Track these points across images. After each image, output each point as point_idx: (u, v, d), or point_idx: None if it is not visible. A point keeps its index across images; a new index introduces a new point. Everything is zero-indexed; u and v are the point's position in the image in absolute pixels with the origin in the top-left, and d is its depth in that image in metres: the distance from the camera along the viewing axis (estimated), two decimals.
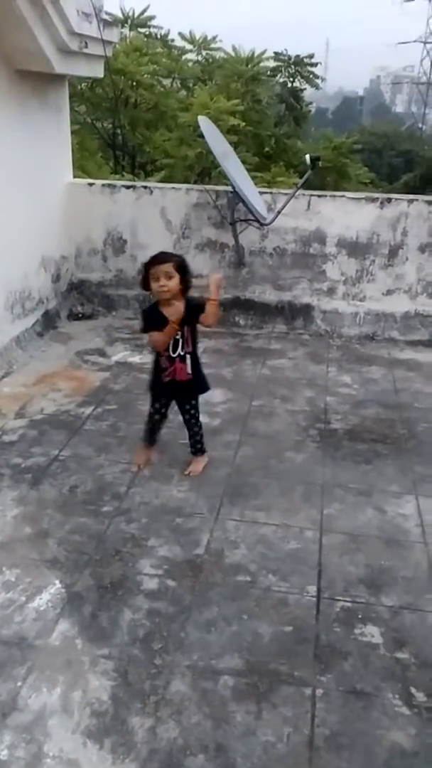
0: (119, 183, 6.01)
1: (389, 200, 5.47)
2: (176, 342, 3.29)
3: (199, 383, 3.49)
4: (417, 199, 5.46)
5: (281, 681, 2.33)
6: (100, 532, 3.06)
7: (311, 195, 5.54)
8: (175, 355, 3.32)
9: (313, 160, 5.38)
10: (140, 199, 5.71)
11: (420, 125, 46.00)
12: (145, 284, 3.22)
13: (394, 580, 2.83)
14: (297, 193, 5.35)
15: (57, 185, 5.61)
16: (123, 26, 11.88)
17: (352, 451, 3.87)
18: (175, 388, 3.43)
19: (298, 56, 13.86)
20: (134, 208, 5.72)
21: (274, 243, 5.62)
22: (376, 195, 5.76)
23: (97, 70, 5.73)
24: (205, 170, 10.17)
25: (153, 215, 5.69)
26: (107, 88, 10.78)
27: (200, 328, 3.34)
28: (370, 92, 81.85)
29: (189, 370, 3.38)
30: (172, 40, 13.09)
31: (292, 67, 13.80)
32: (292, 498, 3.38)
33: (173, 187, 5.84)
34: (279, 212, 5.28)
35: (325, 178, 11.86)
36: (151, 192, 5.71)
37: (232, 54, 12.66)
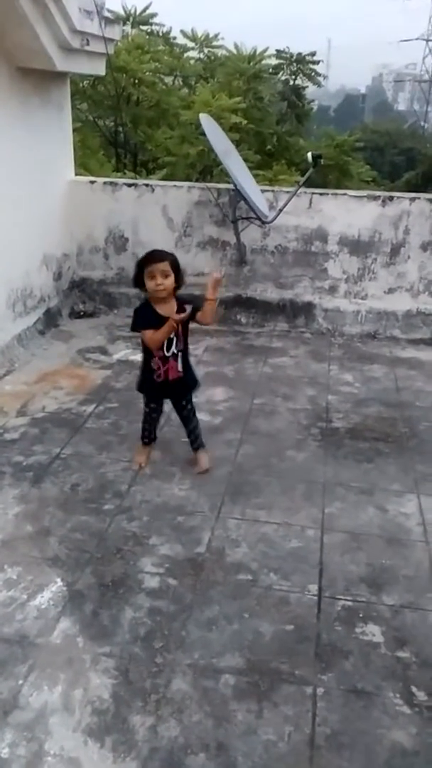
0: (121, 181, 6.01)
1: (391, 198, 5.46)
2: (170, 341, 3.29)
3: (191, 380, 3.51)
4: (419, 197, 5.45)
5: (282, 680, 2.33)
6: (102, 531, 3.06)
7: (313, 193, 5.53)
8: (168, 354, 3.32)
9: (315, 158, 5.38)
10: (142, 197, 5.70)
11: (422, 123, 45.95)
12: (138, 282, 3.22)
13: (396, 579, 2.83)
14: (299, 191, 5.34)
15: (59, 183, 5.61)
16: (125, 24, 11.87)
17: (354, 449, 3.86)
18: (168, 388, 3.43)
19: (300, 54, 13.86)
20: (136, 206, 5.72)
21: (275, 241, 5.61)
22: (378, 193, 5.75)
23: (99, 68, 5.72)
24: (207, 168, 10.16)
25: (154, 213, 5.69)
26: (109, 86, 10.77)
27: (195, 327, 3.33)
28: (372, 90, 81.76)
29: (180, 368, 3.39)
30: (174, 38, 13.09)
31: (294, 64, 13.79)
32: (294, 496, 3.38)
33: (175, 185, 5.84)
34: (281, 210, 5.27)
35: (326, 176, 11.86)
36: (153, 190, 5.71)
37: (234, 52, 12.65)
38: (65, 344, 5.24)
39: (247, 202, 5.06)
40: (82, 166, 8.41)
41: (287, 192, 5.47)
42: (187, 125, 10.35)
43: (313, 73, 14.07)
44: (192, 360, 4.68)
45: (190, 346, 3.47)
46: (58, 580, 2.74)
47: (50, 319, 5.51)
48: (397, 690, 2.31)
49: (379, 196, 5.51)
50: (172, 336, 3.26)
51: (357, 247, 5.53)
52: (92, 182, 5.86)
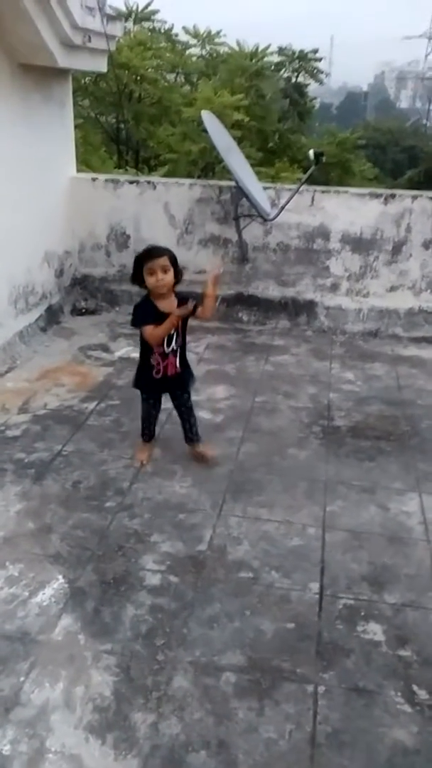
0: (123, 178, 6.00)
1: (393, 196, 5.45)
2: (170, 337, 3.29)
3: (188, 375, 3.53)
4: (421, 195, 5.44)
5: (283, 678, 2.33)
6: (103, 528, 3.06)
7: (315, 190, 5.52)
8: (168, 350, 3.33)
9: (317, 155, 5.37)
10: (144, 194, 5.70)
11: (424, 121, 45.90)
12: (136, 279, 3.22)
13: (397, 578, 2.83)
14: (301, 189, 5.34)
15: (60, 180, 5.60)
16: (127, 20, 11.86)
17: (355, 448, 3.86)
18: (167, 384, 3.44)
19: (302, 51, 13.86)
20: (138, 203, 5.71)
21: (277, 238, 5.61)
22: (380, 191, 5.74)
23: (101, 65, 5.71)
24: (209, 165, 10.15)
25: (156, 210, 5.68)
26: (111, 83, 10.76)
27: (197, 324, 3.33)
28: (374, 87, 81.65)
29: (178, 365, 3.41)
30: (176, 35, 13.07)
31: (297, 62, 13.79)
32: (295, 495, 3.38)
33: (177, 182, 5.83)
34: (283, 208, 5.26)
35: (329, 173, 11.86)
36: (155, 187, 5.70)
37: (236, 49, 12.65)
38: (67, 341, 5.24)
39: (249, 200, 5.06)
40: (84, 163, 8.40)
41: (289, 189, 5.46)
42: (189, 122, 10.34)
43: (315, 71, 14.07)
44: (193, 357, 4.69)
45: (192, 344, 3.48)
46: (60, 577, 2.74)
47: (52, 316, 5.50)
48: (399, 688, 2.31)
49: (382, 194, 5.51)
50: (171, 332, 3.27)
51: (359, 244, 5.52)
52: (94, 179, 5.85)
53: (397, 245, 5.47)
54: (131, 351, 4.90)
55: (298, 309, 5.73)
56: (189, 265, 5.30)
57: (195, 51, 13.32)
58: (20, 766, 2.00)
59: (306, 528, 3.12)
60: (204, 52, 13.42)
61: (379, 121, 35.34)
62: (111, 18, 5.35)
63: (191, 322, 3.36)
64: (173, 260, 3.20)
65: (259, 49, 12.42)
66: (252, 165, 6.68)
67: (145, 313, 3.24)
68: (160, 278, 3.14)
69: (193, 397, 3.61)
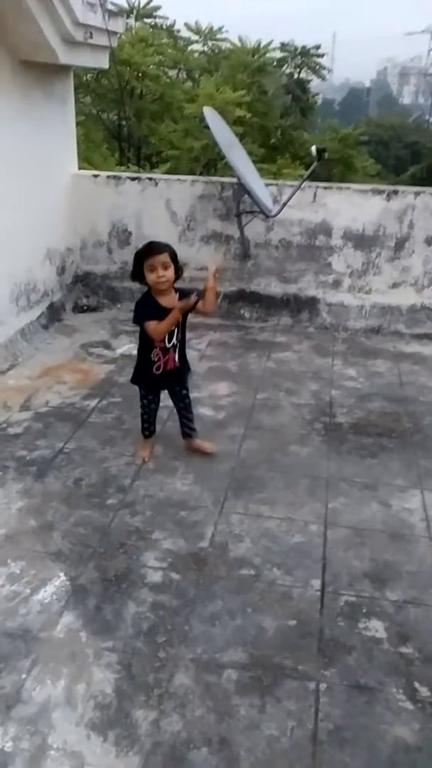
0: (124, 175, 5.99)
1: (396, 192, 5.43)
2: (171, 332, 3.30)
3: (186, 369, 3.55)
4: (424, 191, 5.42)
5: (285, 675, 2.33)
6: (105, 525, 3.06)
7: (317, 187, 5.50)
8: (169, 346, 3.34)
9: (320, 151, 5.34)
10: (145, 191, 5.69)
11: (427, 117, 45.77)
12: (137, 275, 3.22)
13: (399, 575, 2.83)
14: (303, 185, 5.32)
15: (62, 177, 5.59)
16: (128, 16, 11.84)
17: (357, 444, 3.86)
18: (166, 379, 3.45)
19: (304, 47, 13.84)
20: (139, 199, 5.70)
21: (279, 235, 5.60)
22: (382, 187, 5.72)
23: (103, 61, 5.69)
24: (211, 162, 10.16)
25: (158, 207, 5.68)
26: (113, 79, 10.76)
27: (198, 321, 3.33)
28: (376, 83, 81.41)
29: (177, 359, 3.42)
30: (178, 31, 13.07)
31: (299, 57, 13.77)
32: (297, 492, 3.38)
33: (178, 179, 5.82)
34: (285, 204, 5.25)
35: (331, 169, 11.85)
36: (156, 184, 5.69)
37: (239, 45, 12.63)
38: (69, 339, 5.24)
39: (251, 196, 5.05)
40: (86, 159, 8.40)
41: (291, 186, 5.45)
42: (190, 119, 10.34)
43: (317, 67, 14.05)
44: (195, 354, 4.70)
45: (194, 341, 3.48)
46: (62, 574, 2.75)
47: (54, 314, 5.50)
48: (400, 686, 2.30)
49: (384, 190, 5.49)
50: (173, 327, 3.27)
51: (361, 241, 5.50)
52: (95, 176, 5.84)
53: (399, 242, 5.46)
54: (133, 348, 4.88)
55: (300, 306, 5.72)
56: (191, 262, 5.30)
57: (197, 47, 13.32)
58: (22, 763, 2.00)
59: (308, 525, 3.12)
60: (206, 48, 13.41)
61: (382, 117, 35.23)
62: (113, 14, 5.34)
63: (194, 318, 3.36)
64: (174, 256, 3.19)
65: (261, 45, 12.40)
66: (254, 161, 6.68)
67: (147, 309, 3.23)
68: (161, 275, 3.14)
69: (195, 394, 3.62)
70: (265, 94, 12.17)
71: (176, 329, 3.32)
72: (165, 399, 3.58)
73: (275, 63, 13.31)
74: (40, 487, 3.33)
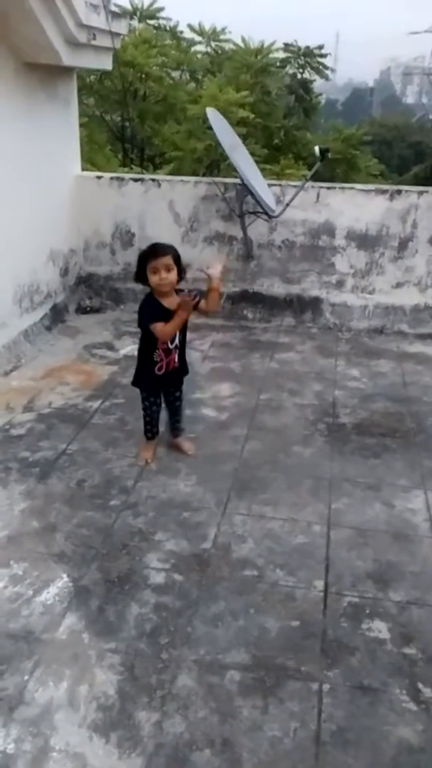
0: (127, 176, 6.00)
1: (399, 192, 5.42)
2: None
3: (184, 369, 3.56)
4: (427, 191, 5.41)
5: (288, 676, 2.32)
6: (108, 526, 3.06)
7: (320, 187, 5.49)
8: (172, 346, 3.36)
9: (323, 151, 5.34)
10: (148, 192, 5.69)
11: (430, 116, 45.65)
12: (140, 277, 3.22)
13: (402, 575, 2.82)
14: (306, 186, 5.32)
15: (65, 178, 5.60)
16: (132, 18, 11.85)
17: (361, 445, 3.85)
18: (167, 379, 3.47)
19: (307, 47, 13.81)
20: (142, 201, 5.70)
21: (282, 235, 5.59)
22: (385, 187, 5.71)
23: (106, 63, 5.70)
24: (214, 162, 10.16)
25: (161, 208, 5.68)
26: (116, 81, 10.77)
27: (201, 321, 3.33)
28: (380, 83, 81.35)
29: (177, 360, 3.44)
30: (181, 32, 13.08)
31: (302, 58, 13.75)
32: (300, 492, 3.37)
33: (182, 180, 5.82)
34: (288, 204, 5.25)
35: (334, 170, 11.83)
36: (160, 185, 5.69)
37: (242, 45, 12.63)
38: (72, 340, 5.25)
39: (254, 197, 5.04)
40: (89, 161, 8.40)
41: (294, 186, 5.44)
42: (194, 120, 10.34)
43: (320, 67, 14.02)
44: (198, 355, 4.69)
45: (197, 341, 3.49)
46: (64, 575, 2.75)
47: (57, 315, 5.51)
48: (404, 686, 2.30)
49: (387, 190, 5.48)
50: None
51: (364, 241, 5.50)
52: (99, 177, 5.85)
53: (402, 241, 5.45)
54: (136, 349, 4.88)
55: (303, 306, 5.71)
56: (194, 262, 5.27)
57: (200, 48, 13.32)
58: (24, 764, 2.00)
59: (311, 525, 3.12)
60: (209, 49, 13.42)
61: (385, 117, 35.20)
62: (116, 15, 5.34)
63: (197, 319, 3.37)
64: (177, 259, 3.19)
65: (264, 46, 12.39)
66: (257, 162, 6.67)
67: (152, 311, 3.24)
68: (164, 277, 3.14)
69: (198, 395, 3.62)
70: (268, 94, 12.17)
71: (178, 331, 3.33)
72: None
73: (278, 63, 13.29)
74: (43, 488, 3.34)
